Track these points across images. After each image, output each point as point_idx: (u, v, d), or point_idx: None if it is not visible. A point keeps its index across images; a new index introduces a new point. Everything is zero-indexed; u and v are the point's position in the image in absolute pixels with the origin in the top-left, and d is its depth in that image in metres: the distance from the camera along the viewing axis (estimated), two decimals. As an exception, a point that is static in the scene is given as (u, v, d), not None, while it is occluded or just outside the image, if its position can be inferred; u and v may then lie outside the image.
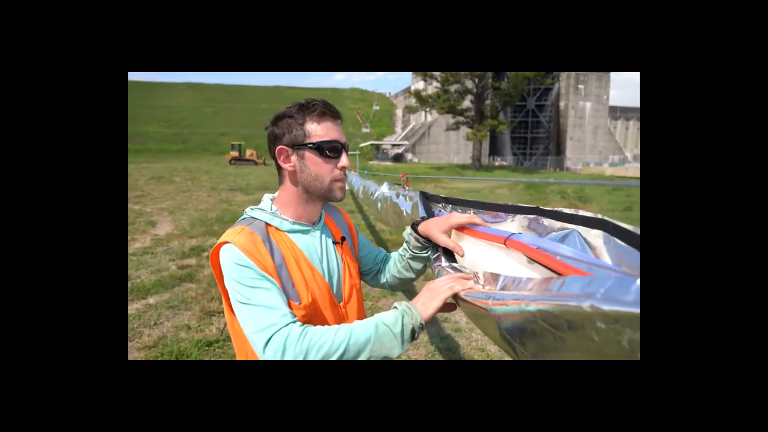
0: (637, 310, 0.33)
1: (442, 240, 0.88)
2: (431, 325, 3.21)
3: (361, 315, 0.94)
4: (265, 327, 0.70)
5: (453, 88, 32.05)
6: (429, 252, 0.97)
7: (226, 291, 0.80)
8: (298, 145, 0.83)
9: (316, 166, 0.83)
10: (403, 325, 0.69)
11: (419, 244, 0.95)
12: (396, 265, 1.02)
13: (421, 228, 0.94)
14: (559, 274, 0.56)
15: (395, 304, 0.74)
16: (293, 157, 0.84)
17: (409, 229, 0.98)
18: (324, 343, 0.67)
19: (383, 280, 1.06)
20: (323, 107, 0.84)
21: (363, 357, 0.68)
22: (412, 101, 35.01)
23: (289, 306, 0.76)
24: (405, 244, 0.99)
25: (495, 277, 0.62)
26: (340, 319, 0.88)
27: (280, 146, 0.84)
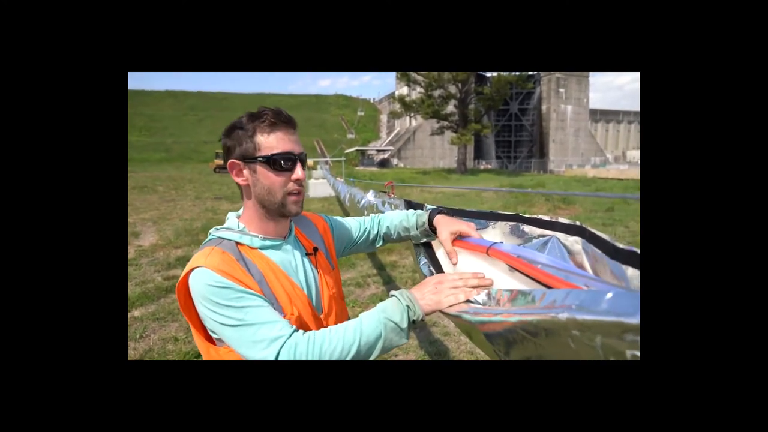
0: (609, 318, 0.35)
1: (446, 242, 0.90)
2: (419, 330, 3.22)
3: (338, 319, 0.93)
4: (269, 344, 0.67)
5: (437, 93, 32.35)
6: (431, 239, 1.01)
7: (196, 319, 0.77)
8: (249, 159, 0.79)
9: (268, 180, 0.79)
10: (408, 320, 0.71)
11: (425, 233, 1.00)
12: (395, 229, 1.08)
13: (435, 220, 0.96)
14: (538, 281, 0.58)
15: (396, 293, 0.74)
16: (245, 171, 0.81)
17: (425, 216, 1.00)
18: (335, 347, 0.67)
19: (379, 242, 1.11)
20: (273, 116, 0.79)
21: (374, 355, 0.69)
22: (397, 107, 35.18)
23: None
24: (414, 223, 1.03)
25: (506, 293, 0.62)
26: None
27: (231, 160, 0.81)
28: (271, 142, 0.79)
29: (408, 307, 0.71)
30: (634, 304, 0.33)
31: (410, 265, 4.98)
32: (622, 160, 47.13)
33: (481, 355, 2.82)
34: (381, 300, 4.11)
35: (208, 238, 0.83)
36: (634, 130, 56.78)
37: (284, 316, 0.76)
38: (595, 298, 0.36)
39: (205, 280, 0.71)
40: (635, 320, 0.32)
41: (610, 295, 0.35)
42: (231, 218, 0.87)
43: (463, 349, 2.91)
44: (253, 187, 0.81)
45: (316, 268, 0.90)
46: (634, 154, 48.40)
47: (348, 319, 0.98)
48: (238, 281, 0.72)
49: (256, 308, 0.71)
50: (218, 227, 0.85)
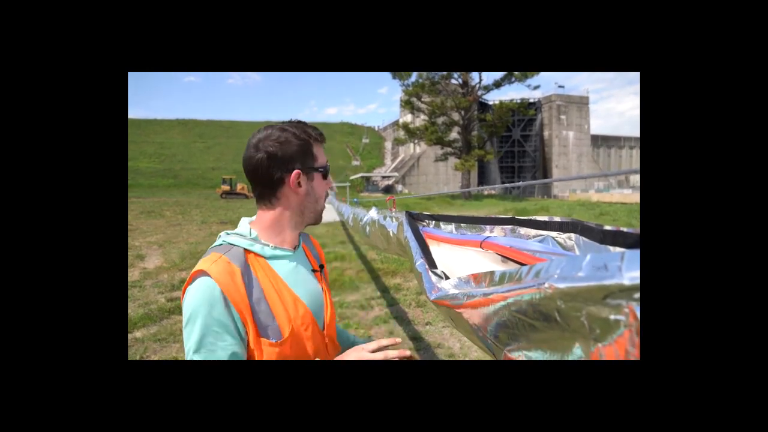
0: (587, 284, 0.36)
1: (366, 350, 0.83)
2: (425, 351, 3.17)
3: (333, 335, 0.93)
4: None
5: (440, 120, 32.89)
6: None
7: None
8: (311, 169, 0.84)
9: (320, 189, 0.88)
10: None
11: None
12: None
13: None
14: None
15: None
16: (301, 180, 0.83)
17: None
18: None
19: None
20: (319, 132, 0.88)
21: None
22: (401, 134, 35.75)
23: (259, 344, 0.75)
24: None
25: (483, 275, 0.62)
26: (322, 347, 0.86)
27: (296, 170, 0.81)
28: (322, 154, 0.87)
29: None
30: (612, 265, 0.34)
31: (414, 287, 4.94)
32: (626, 185, 47.06)
33: (480, 354, 2.76)
34: (385, 322, 4.06)
35: (217, 242, 0.82)
36: (636, 155, 57.02)
37: (280, 338, 0.77)
38: (575, 263, 0.37)
39: (201, 292, 0.71)
40: (614, 281, 0.33)
41: (588, 257, 0.36)
42: (243, 224, 0.86)
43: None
44: (306, 196, 0.85)
45: (321, 285, 0.92)
46: (638, 179, 48.24)
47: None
48: (232, 300, 0.72)
49: (218, 352, 0.71)
50: (229, 232, 0.83)
